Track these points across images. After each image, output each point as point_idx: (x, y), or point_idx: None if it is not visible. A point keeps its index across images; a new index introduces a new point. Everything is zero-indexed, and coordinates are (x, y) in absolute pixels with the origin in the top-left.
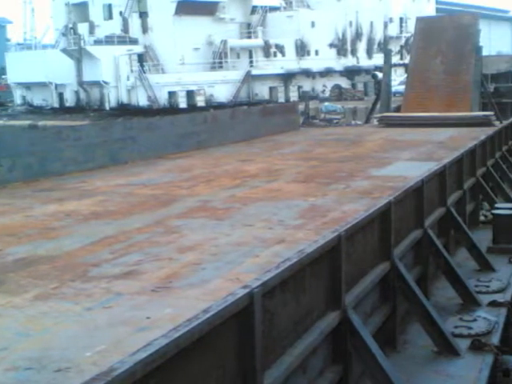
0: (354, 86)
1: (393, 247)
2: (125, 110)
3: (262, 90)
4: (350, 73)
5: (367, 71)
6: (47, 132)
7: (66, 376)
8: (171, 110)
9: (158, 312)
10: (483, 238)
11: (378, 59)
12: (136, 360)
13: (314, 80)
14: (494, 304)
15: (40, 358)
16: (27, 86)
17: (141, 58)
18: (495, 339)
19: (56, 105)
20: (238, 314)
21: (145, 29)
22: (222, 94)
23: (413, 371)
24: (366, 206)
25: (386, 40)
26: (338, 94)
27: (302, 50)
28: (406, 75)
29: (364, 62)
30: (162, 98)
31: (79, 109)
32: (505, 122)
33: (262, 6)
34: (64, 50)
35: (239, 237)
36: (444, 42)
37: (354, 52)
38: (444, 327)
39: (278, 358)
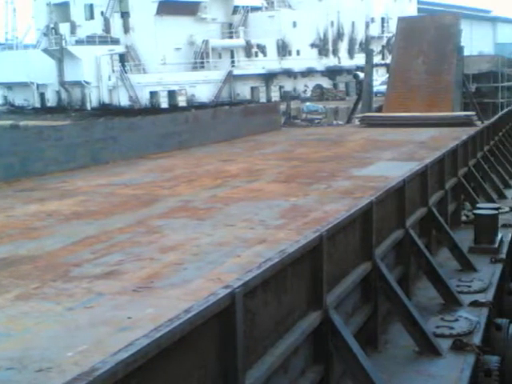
0: (335, 86)
1: (374, 247)
2: (106, 110)
3: (243, 90)
4: (332, 73)
5: (349, 71)
6: (29, 132)
7: (47, 376)
8: (153, 110)
9: (139, 312)
10: (465, 237)
11: (360, 59)
12: (117, 360)
13: (295, 80)
14: (475, 304)
15: (21, 358)
16: (9, 86)
17: (122, 58)
18: (477, 339)
19: (37, 105)
20: (219, 314)
21: (126, 29)
22: (204, 94)
23: (394, 371)
24: (348, 206)
25: (368, 40)
26: (320, 94)
27: (283, 49)
28: (387, 75)
29: (345, 62)
30: (144, 98)
31: (61, 109)
32: (486, 122)
33: (243, 6)
34: (45, 50)
35: (221, 237)
36: (425, 42)
37: (335, 52)
38: (425, 327)
39: (259, 357)
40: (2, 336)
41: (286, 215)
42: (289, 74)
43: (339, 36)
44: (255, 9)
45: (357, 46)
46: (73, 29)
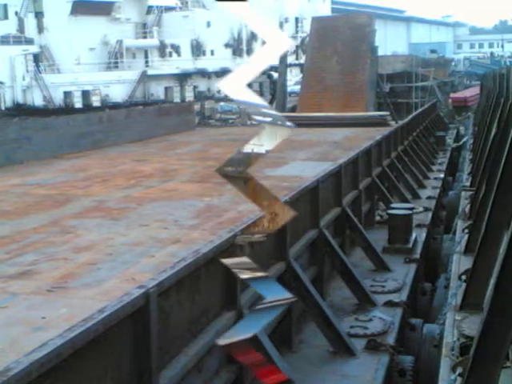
0: (249, 86)
1: (288, 247)
2: (20, 110)
3: (157, 90)
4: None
5: (263, 71)
6: None
7: None
8: (67, 109)
9: (53, 312)
10: (379, 237)
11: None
12: (32, 360)
13: (209, 80)
14: (389, 304)
15: None
16: None
17: (36, 58)
18: (391, 339)
19: None
20: (133, 314)
21: (40, 29)
22: (118, 94)
23: (308, 371)
24: None
25: None
26: None
27: (197, 49)
28: (301, 75)
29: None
30: (58, 98)
31: None
32: (400, 122)
33: (157, 6)
34: None
35: (135, 237)
36: (340, 42)
37: (249, 52)
38: (340, 327)
39: (173, 357)
40: None
41: (201, 215)
42: (203, 73)
43: (253, 36)
44: (169, 9)
45: None
46: None
